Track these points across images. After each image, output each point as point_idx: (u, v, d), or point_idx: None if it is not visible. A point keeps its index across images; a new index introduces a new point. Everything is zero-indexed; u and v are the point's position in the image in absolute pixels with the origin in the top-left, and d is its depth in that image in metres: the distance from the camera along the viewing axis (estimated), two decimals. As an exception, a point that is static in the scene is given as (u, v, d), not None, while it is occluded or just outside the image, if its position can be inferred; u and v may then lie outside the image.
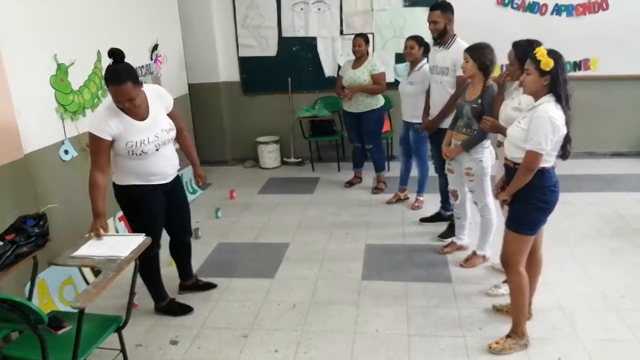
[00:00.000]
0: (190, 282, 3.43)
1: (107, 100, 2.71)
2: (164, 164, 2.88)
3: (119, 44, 4.05)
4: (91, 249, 2.47)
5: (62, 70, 3.35)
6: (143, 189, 2.84)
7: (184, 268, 3.40)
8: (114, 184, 2.88)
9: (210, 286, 3.47)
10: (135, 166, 2.79)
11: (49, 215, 2.55)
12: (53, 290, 3.16)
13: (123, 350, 2.47)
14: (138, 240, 2.51)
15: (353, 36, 4.98)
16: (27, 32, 3.07)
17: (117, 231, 3.95)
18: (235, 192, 5.28)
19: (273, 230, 4.41)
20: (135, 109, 2.68)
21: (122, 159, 2.78)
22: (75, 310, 2.05)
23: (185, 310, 3.19)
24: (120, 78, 2.55)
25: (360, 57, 4.93)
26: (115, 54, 2.61)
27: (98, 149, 2.67)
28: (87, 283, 3.35)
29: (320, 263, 3.76)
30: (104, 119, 2.66)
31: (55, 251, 2.59)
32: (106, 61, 3.80)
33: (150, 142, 2.75)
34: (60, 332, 2.27)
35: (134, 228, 2.93)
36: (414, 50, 4.32)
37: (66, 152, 3.38)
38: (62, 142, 3.37)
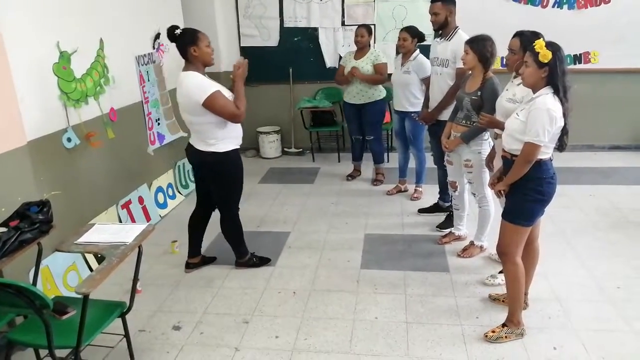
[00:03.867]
0: (198, 259, 3.63)
1: (192, 73, 3.04)
2: None
3: (121, 32, 4.10)
4: (95, 235, 2.50)
5: (64, 57, 3.36)
6: (238, 152, 3.26)
7: (200, 241, 3.61)
8: (214, 154, 3.13)
9: (212, 260, 3.70)
10: (234, 128, 3.16)
11: (52, 202, 2.57)
12: (57, 276, 3.20)
13: (127, 335, 2.51)
14: (141, 227, 2.54)
15: (355, 27, 4.98)
16: (29, 19, 3.07)
17: (119, 219, 3.98)
18: (236, 181, 5.31)
19: (274, 219, 4.44)
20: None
21: (223, 126, 3.09)
22: (80, 296, 2.08)
23: (266, 260, 3.60)
24: None
25: (362, 48, 4.92)
26: (175, 27, 3.05)
27: (223, 98, 3.01)
28: (91, 269, 3.39)
29: (320, 252, 3.80)
30: (207, 81, 3.04)
31: (59, 238, 2.62)
32: (109, 49, 3.85)
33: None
34: (64, 317, 2.30)
35: (230, 193, 3.33)
36: (406, 42, 4.35)
37: (69, 139, 3.40)
38: (65, 130, 3.39)
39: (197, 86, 2.99)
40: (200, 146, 3.15)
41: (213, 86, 3.01)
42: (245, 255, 3.56)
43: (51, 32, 3.26)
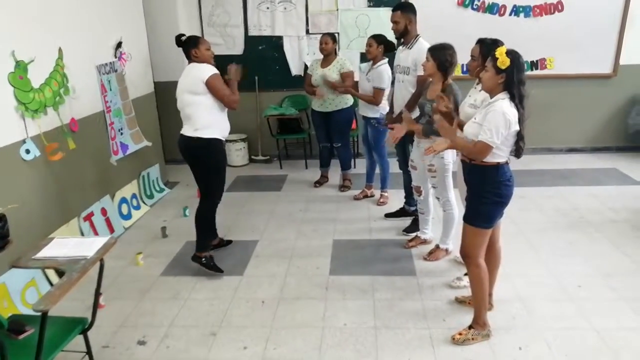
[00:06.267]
0: (216, 241, 3.92)
1: (199, 64, 3.38)
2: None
3: (81, 40, 4.02)
4: (54, 250, 2.42)
5: (21, 67, 3.26)
6: (222, 142, 3.49)
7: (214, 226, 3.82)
8: (199, 139, 3.36)
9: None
10: (220, 120, 3.46)
11: (9, 216, 2.48)
12: (14, 293, 3.08)
13: (89, 352, 2.43)
14: (102, 240, 2.48)
15: (319, 35, 5.02)
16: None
17: (81, 232, 3.87)
18: (202, 190, 5.24)
19: (242, 227, 4.41)
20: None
21: (212, 113, 3.39)
22: (38, 314, 2.01)
23: (218, 269, 3.57)
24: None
25: (328, 56, 4.95)
26: (181, 35, 3.47)
27: (222, 83, 3.38)
28: (51, 285, 3.28)
29: (288, 259, 3.79)
30: (212, 67, 3.38)
31: (16, 253, 2.52)
32: (68, 58, 3.76)
33: None
34: (22, 336, 2.19)
35: (210, 181, 3.51)
36: (371, 48, 4.41)
37: (27, 151, 3.30)
38: (24, 141, 3.29)
39: (205, 67, 3.36)
40: (188, 132, 3.40)
41: (216, 71, 3.38)
42: (205, 250, 3.59)
43: (6, 41, 3.16)
